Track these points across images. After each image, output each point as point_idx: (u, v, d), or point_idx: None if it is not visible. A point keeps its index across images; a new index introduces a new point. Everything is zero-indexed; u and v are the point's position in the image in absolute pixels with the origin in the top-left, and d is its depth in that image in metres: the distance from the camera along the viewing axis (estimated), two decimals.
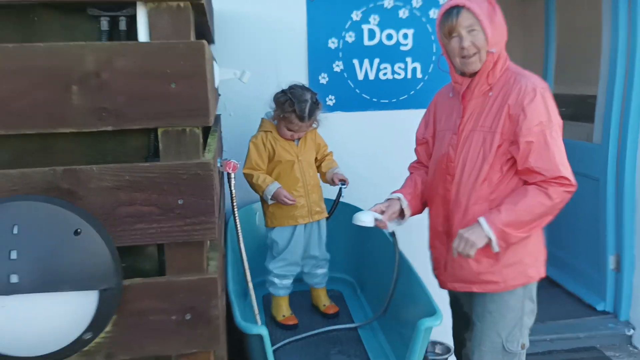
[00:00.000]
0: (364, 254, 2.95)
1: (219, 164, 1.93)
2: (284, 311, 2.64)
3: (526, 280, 2.13)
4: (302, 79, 3.14)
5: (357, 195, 3.05)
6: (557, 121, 2.01)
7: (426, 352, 3.22)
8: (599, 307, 3.72)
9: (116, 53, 1.26)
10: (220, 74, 2.14)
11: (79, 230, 1.26)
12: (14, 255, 1.20)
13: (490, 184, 2.05)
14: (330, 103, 3.19)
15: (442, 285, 2.31)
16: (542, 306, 3.80)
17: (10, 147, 1.34)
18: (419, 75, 3.20)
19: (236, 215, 2.01)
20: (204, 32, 2.14)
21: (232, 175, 1.96)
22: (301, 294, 2.91)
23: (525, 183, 2.03)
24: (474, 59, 2.01)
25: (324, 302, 2.75)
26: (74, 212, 1.26)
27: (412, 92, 3.23)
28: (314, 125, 2.53)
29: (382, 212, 2.25)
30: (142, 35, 1.32)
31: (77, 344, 1.30)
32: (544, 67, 4.36)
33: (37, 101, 1.24)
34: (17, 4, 1.28)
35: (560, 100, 4.19)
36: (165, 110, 1.30)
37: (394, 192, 2.34)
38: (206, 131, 1.93)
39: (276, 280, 2.61)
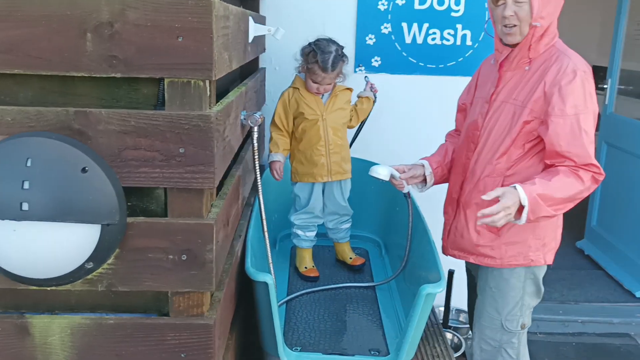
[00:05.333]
0: (392, 215, 2.98)
1: (242, 117, 2.01)
2: (306, 263, 2.74)
3: (526, 262, 2.09)
4: (349, 38, 3.16)
5: (392, 157, 3.08)
6: (593, 108, 1.94)
7: (449, 319, 3.27)
8: (638, 294, 3.61)
9: (129, 5, 1.34)
10: (255, 30, 2.19)
11: (86, 168, 1.37)
12: (26, 185, 1.32)
13: (508, 159, 2.02)
14: (375, 64, 3.19)
15: (444, 251, 2.31)
16: (580, 287, 3.78)
17: (31, 87, 1.45)
18: (468, 42, 3.14)
19: (257, 167, 2.08)
20: None
21: (255, 129, 2.03)
22: (328, 249, 3.00)
23: (551, 166, 1.99)
24: (514, 31, 1.96)
25: (349, 255, 2.83)
26: (82, 151, 1.37)
27: (461, 59, 3.18)
28: (340, 79, 2.55)
29: (404, 173, 2.27)
30: None
31: (80, 272, 1.43)
32: (612, 40, 4.14)
33: (54, 46, 1.35)
34: None
35: (628, 76, 4.03)
36: (171, 61, 1.37)
37: (423, 158, 2.35)
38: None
39: (299, 232, 2.71)
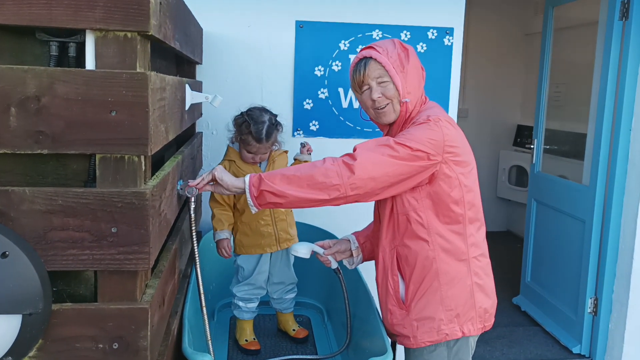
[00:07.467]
0: (333, 280, 2.92)
1: (178, 187, 1.93)
2: (247, 335, 2.62)
3: (440, 338, 1.91)
4: (287, 103, 3.17)
5: (332, 221, 3.05)
6: (417, 145, 1.77)
7: None
8: (575, 350, 3.66)
9: (58, 79, 1.27)
10: (192, 98, 2.14)
11: (6, 252, 1.25)
12: None
13: (395, 232, 1.98)
14: (314, 128, 3.20)
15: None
16: (519, 345, 3.80)
17: None
18: None
19: (194, 238, 2.00)
20: (176, 55, 2.14)
21: (192, 199, 1.95)
22: (269, 318, 2.89)
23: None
24: (388, 110, 1.92)
25: (292, 326, 2.72)
26: (2, 234, 1.26)
27: None
28: (275, 147, 2.51)
29: (329, 248, 2.22)
30: (89, 62, 1.33)
31: None
32: (536, 102, 4.34)
33: None
34: None
35: (550, 135, 4.22)
36: (104, 137, 1.30)
37: (354, 232, 2.29)
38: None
39: (241, 303, 2.59)
